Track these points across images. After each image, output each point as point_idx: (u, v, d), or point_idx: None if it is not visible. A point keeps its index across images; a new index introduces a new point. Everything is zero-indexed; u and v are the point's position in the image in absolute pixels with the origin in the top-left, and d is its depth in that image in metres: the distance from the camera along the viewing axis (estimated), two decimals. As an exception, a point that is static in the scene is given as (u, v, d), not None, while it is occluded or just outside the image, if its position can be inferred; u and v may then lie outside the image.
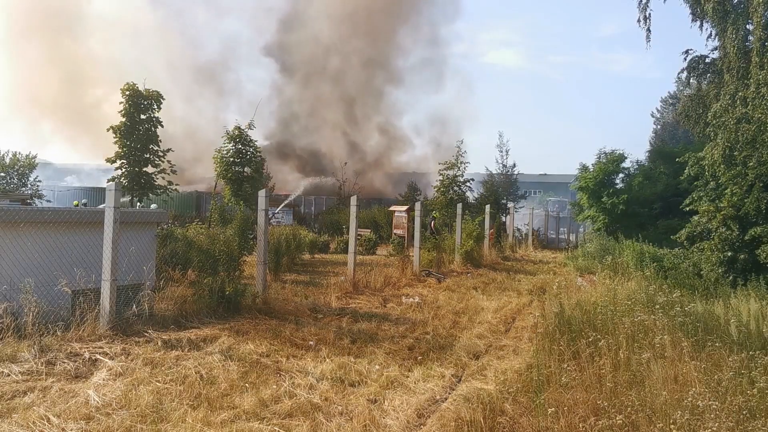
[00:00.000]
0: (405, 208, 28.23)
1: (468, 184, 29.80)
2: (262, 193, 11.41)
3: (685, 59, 24.13)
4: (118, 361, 6.94)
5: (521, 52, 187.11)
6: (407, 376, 7.39)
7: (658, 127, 65.27)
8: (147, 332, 8.07)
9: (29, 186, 31.88)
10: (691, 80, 23.77)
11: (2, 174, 31.07)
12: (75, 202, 29.51)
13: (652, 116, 70.33)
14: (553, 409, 5.39)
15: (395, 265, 16.96)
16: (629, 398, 5.49)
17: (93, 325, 7.78)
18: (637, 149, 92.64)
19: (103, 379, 6.33)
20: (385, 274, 15.15)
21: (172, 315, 9.18)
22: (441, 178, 29.19)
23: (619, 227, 26.41)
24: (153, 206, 27.19)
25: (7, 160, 31.71)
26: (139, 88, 17.46)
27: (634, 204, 27.40)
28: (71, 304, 8.11)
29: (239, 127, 20.10)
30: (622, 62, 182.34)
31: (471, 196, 31.85)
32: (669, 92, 67.59)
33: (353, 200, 14.26)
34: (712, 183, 15.48)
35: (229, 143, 19.98)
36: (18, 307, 7.50)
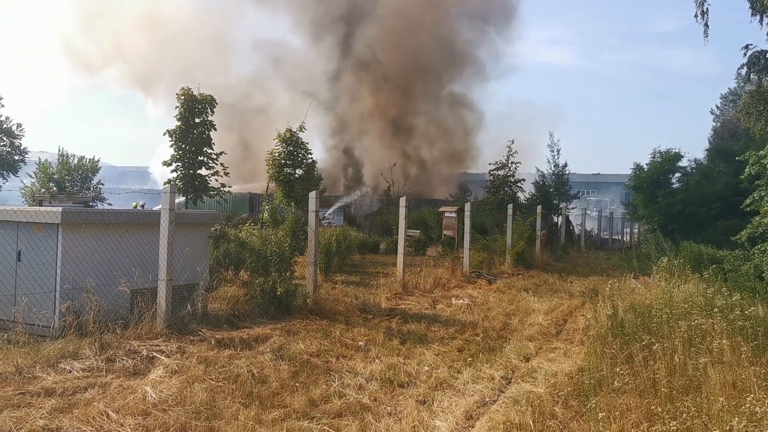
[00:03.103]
0: (455, 208, 28.11)
1: (519, 184, 29.49)
2: (312, 194, 11.53)
3: (745, 54, 23.32)
4: (174, 359, 7.13)
5: (574, 50, 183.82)
6: (456, 378, 7.37)
7: (718, 124, 63.18)
8: (201, 331, 8.28)
9: (92, 188, 33.07)
10: (752, 76, 22.96)
11: (67, 176, 32.29)
12: (134, 204, 30.49)
13: (712, 113, 68.22)
14: (604, 413, 5.30)
15: (445, 266, 16.89)
16: (684, 404, 5.34)
17: (150, 323, 8.02)
18: (695, 147, 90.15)
19: (160, 377, 6.52)
20: (434, 275, 15.11)
21: (225, 315, 9.39)
22: (491, 178, 28.96)
23: (676, 228, 25.65)
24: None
25: (72, 164, 32.96)
26: (194, 93, 17.93)
27: (691, 204, 26.57)
28: (130, 303, 8.38)
29: (290, 130, 20.43)
30: (680, 59, 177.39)
31: (522, 196, 31.48)
32: (729, 89, 65.22)
33: (402, 201, 14.28)
34: (774, 182, 14.87)
35: (281, 145, 20.35)
36: (80, 305, 7.81)
